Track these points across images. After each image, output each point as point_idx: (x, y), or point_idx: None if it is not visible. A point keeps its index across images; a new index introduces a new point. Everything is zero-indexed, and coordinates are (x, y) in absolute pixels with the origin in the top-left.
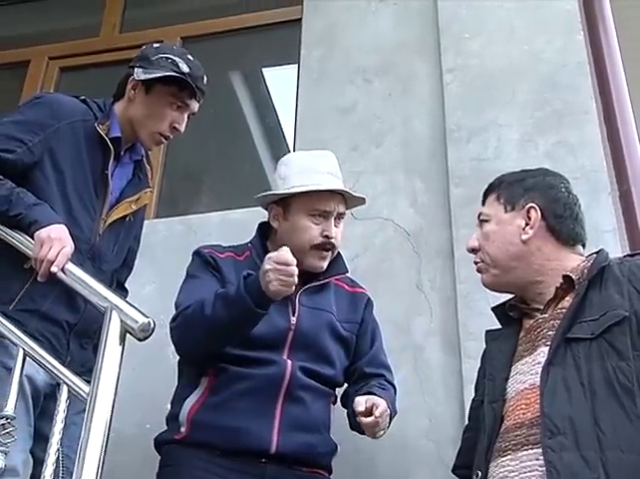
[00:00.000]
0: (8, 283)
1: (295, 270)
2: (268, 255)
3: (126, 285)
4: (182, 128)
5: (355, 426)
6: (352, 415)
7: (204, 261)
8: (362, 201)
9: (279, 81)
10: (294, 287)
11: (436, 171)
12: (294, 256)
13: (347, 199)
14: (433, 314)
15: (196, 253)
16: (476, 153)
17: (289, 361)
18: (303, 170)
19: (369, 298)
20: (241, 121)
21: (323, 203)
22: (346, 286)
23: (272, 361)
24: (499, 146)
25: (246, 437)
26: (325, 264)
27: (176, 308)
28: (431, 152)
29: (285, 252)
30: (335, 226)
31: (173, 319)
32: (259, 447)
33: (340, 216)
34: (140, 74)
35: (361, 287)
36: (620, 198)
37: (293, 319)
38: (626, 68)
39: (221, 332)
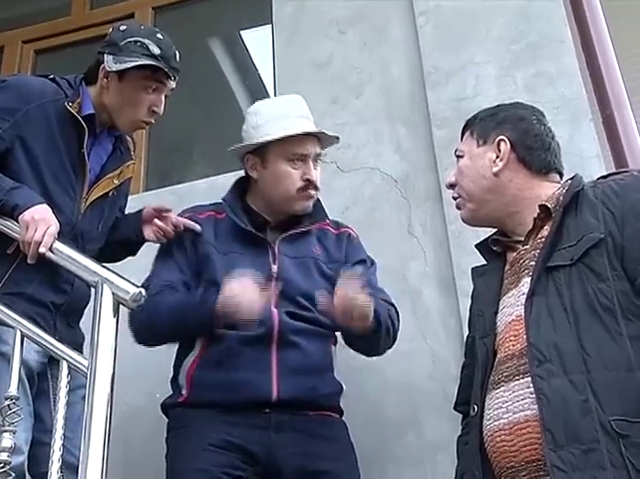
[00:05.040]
0: None
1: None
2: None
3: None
4: (161, 110)
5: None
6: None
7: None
8: (336, 140)
9: (258, 42)
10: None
11: (417, 115)
12: (279, 204)
13: (321, 139)
14: (427, 258)
15: None
16: (455, 93)
17: (275, 309)
18: (275, 116)
19: (350, 234)
20: (224, 85)
21: (301, 146)
22: (332, 229)
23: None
24: (478, 83)
25: (246, 389)
26: (311, 205)
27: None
28: (411, 97)
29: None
30: (314, 168)
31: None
32: (260, 397)
33: (317, 157)
34: (111, 64)
35: (346, 227)
36: (603, 123)
37: (274, 268)
38: None
39: (185, 331)
